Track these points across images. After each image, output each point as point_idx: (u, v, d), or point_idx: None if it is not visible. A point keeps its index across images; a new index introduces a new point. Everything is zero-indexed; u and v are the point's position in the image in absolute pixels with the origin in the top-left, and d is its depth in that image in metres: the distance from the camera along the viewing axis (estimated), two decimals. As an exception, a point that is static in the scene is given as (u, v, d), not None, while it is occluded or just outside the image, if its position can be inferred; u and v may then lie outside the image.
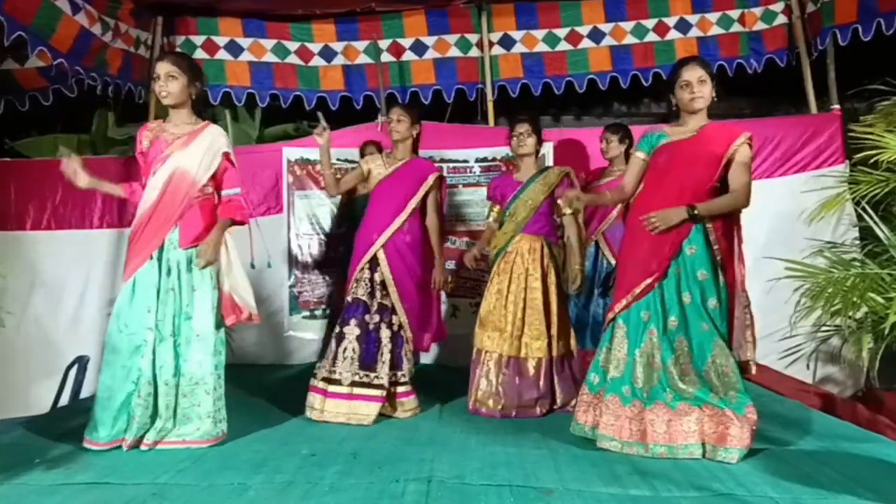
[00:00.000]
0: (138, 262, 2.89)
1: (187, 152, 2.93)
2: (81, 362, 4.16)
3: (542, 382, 3.48)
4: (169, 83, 2.90)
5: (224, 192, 3.05)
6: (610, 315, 2.97)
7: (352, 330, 3.38)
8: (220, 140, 3.01)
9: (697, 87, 2.84)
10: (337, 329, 3.44)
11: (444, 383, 4.00)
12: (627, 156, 4.27)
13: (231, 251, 3.05)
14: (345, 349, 3.36)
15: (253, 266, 3.21)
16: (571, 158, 4.69)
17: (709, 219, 2.84)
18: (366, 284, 3.44)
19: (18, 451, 2.79)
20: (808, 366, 4.41)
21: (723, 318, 2.85)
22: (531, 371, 3.49)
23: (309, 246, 5.04)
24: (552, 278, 3.56)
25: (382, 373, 3.35)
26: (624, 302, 2.89)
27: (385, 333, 3.41)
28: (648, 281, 2.85)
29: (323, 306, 4.98)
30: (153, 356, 2.85)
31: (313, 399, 3.34)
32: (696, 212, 2.78)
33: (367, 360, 3.36)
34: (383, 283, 3.45)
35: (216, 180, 3.04)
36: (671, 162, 2.89)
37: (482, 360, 3.53)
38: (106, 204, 4.98)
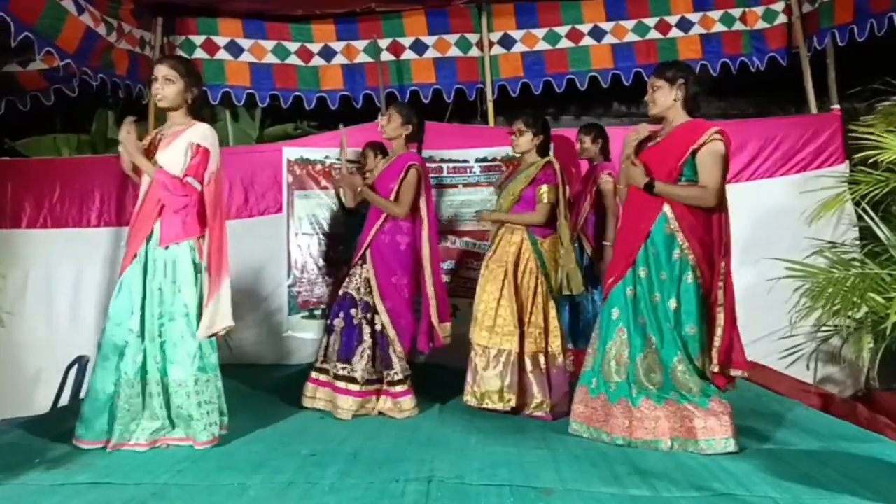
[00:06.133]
0: (126, 262, 2.90)
1: (167, 152, 2.92)
2: (81, 362, 4.16)
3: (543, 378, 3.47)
4: (165, 87, 2.90)
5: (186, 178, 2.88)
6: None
7: (339, 323, 3.52)
8: (195, 135, 2.91)
9: (649, 94, 2.99)
10: (328, 322, 3.59)
11: (443, 383, 3.99)
12: (604, 153, 4.32)
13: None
14: (334, 341, 3.51)
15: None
16: (571, 157, 4.70)
17: (676, 219, 2.87)
18: (356, 280, 3.55)
19: (18, 451, 2.79)
20: (808, 366, 4.41)
21: (685, 321, 2.86)
22: (530, 366, 3.47)
23: (308, 246, 5.04)
24: (539, 272, 3.55)
25: (358, 367, 3.41)
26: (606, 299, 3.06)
27: (366, 330, 3.47)
28: (613, 278, 3.01)
29: (322, 306, 4.97)
30: (143, 357, 2.83)
31: (306, 388, 3.54)
32: (653, 185, 2.85)
33: (346, 354, 3.45)
34: (368, 281, 3.52)
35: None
36: (647, 165, 2.95)
37: (493, 357, 3.48)
38: (104, 202, 4.99)
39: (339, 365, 3.44)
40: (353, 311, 3.50)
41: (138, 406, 2.83)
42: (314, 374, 3.54)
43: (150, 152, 2.95)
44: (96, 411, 2.82)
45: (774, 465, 2.59)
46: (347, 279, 3.59)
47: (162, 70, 2.91)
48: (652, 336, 2.88)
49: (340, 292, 3.59)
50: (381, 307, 3.48)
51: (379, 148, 4.42)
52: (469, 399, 3.51)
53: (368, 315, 3.49)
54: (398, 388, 3.46)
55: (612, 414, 2.89)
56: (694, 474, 2.52)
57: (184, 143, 2.91)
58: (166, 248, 2.87)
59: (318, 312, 4.99)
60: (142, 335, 2.84)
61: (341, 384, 3.42)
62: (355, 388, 3.40)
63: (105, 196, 4.99)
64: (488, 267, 3.62)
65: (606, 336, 2.98)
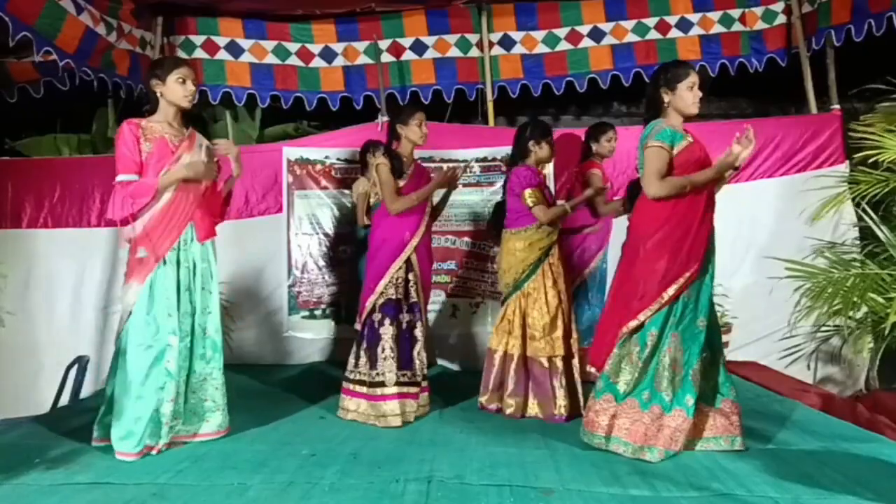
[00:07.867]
0: (153, 265, 2.82)
1: (195, 154, 2.95)
2: (81, 362, 4.15)
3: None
4: (194, 90, 2.96)
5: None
6: (635, 323, 2.79)
7: (387, 330, 3.37)
8: (204, 140, 3.08)
9: (698, 96, 2.84)
10: (381, 330, 3.36)
11: (444, 384, 4.00)
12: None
13: None
14: (382, 349, 3.36)
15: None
16: (571, 156, 4.69)
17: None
18: (402, 284, 3.42)
19: (18, 451, 2.79)
20: (808, 366, 4.41)
21: (700, 314, 2.82)
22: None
23: (308, 246, 5.04)
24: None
25: (419, 370, 3.42)
26: (655, 306, 2.75)
27: (419, 331, 3.45)
28: (681, 281, 2.73)
29: (322, 306, 4.98)
30: (176, 358, 2.84)
31: (402, 405, 3.29)
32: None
33: (405, 359, 3.38)
34: (414, 283, 3.47)
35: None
36: (699, 166, 2.82)
37: (558, 366, 3.43)
38: (104, 202, 4.98)
39: (400, 373, 3.34)
40: (401, 317, 3.39)
41: (173, 409, 2.84)
42: (403, 389, 3.31)
43: (162, 151, 2.92)
44: (143, 424, 2.74)
45: (774, 465, 2.59)
46: (390, 285, 3.38)
47: (192, 74, 2.95)
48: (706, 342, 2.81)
49: (386, 299, 3.37)
50: (423, 305, 3.51)
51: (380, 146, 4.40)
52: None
53: (418, 315, 3.46)
54: (423, 383, 3.48)
55: (664, 424, 2.75)
56: (694, 474, 2.52)
57: (204, 146, 3.01)
58: (203, 243, 2.95)
59: (318, 312, 4.99)
60: (179, 338, 2.85)
61: (409, 389, 3.37)
62: (417, 390, 3.39)
63: (105, 196, 4.97)
64: (557, 276, 3.53)
65: (661, 345, 2.80)
